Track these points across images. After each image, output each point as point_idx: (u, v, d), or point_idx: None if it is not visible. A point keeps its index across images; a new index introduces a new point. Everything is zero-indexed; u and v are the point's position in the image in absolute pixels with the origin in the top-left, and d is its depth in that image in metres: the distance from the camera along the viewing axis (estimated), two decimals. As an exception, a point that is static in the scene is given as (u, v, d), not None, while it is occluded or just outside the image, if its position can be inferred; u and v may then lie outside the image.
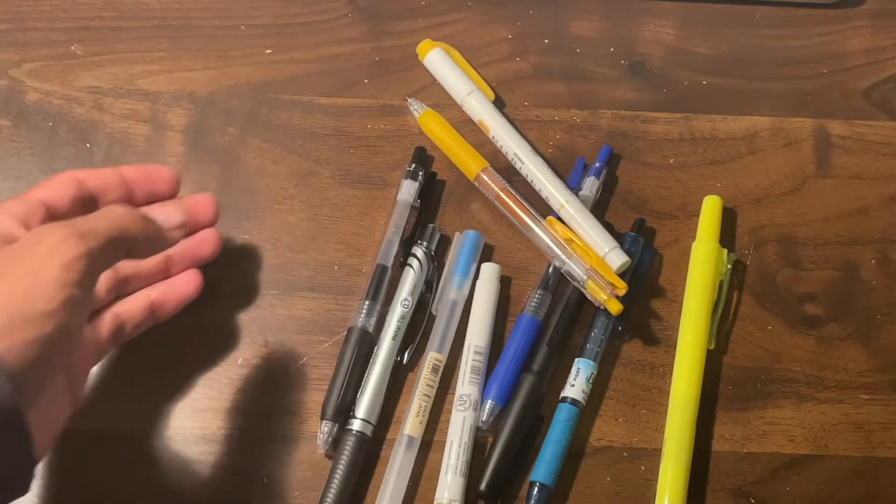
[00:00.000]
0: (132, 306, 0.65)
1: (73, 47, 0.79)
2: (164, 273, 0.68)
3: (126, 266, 0.66)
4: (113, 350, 0.67)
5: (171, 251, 0.64)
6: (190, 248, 0.68)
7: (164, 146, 0.76)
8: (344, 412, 0.67)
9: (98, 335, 0.63)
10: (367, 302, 0.70)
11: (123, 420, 0.68)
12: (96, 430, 0.67)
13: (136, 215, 0.55)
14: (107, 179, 0.62)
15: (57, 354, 0.49)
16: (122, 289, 0.66)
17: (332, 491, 0.65)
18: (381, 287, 0.71)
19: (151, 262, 0.66)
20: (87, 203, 0.61)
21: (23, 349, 0.46)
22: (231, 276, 0.72)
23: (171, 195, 0.66)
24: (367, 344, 0.69)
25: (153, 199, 0.65)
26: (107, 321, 0.64)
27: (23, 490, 0.49)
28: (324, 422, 0.67)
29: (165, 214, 0.59)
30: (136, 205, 0.63)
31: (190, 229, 0.65)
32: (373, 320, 0.69)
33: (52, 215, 0.58)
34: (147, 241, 0.56)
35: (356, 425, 0.66)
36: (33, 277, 0.48)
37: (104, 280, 0.64)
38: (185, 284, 0.68)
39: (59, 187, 0.60)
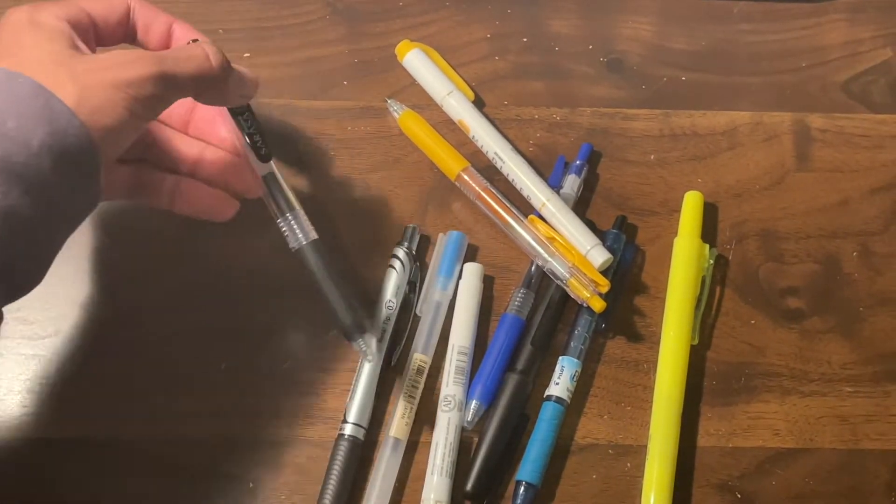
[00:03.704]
0: (156, 175, 0.66)
1: None
2: (196, 164, 0.67)
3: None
4: (128, 197, 0.68)
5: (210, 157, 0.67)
6: (231, 168, 0.68)
7: (144, 152, 0.75)
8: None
9: (120, 173, 0.66)
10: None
11: (106, 426, 0.67)
12: (79, 437, 0.67)
13: (219, 60, 0.58)
14: (156, 19, 0.62)
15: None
16: (149, 152, 0.67)
17: (328, 498, 0.65)
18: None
19: (191, 149, 0.67)
20: (129, 34, 0.62)
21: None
22: (213, 279, 0.72)
23: None
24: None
25: None
26: (131, 168, 0.66)
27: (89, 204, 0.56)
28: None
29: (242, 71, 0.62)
30: None
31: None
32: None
33: (98, 31, 0.60)
34: (221, 89, 0.60)
35: (348, 430, 0.66)
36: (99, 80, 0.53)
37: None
38: (211, 196, 0.68)
39: (107, 5, 0.60)
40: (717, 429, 0.69)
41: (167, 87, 0.55)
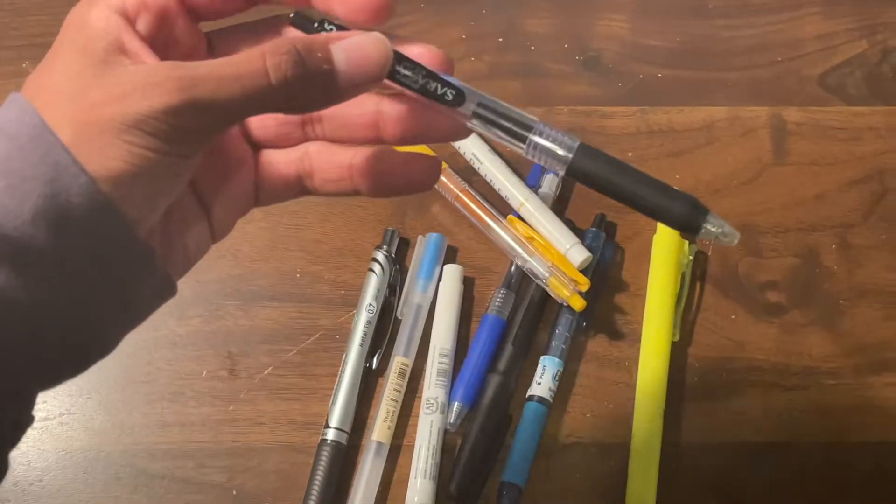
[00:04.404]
0: (328, 156, 0.48)
1: (24, 65, 0.79)
2: (375, 137, 0.47)
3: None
4: (293, 197, 0.49)
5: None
6: (424, 114, 0.46)
7: (120, 161, 0.75)
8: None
9: (272, 169, 0.48)
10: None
11: (90, 437, 0.67)
12: (61, 448, 0.66)
13: (285, 73, 0.40)
14: None
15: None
16: (312, 128, 0.48)
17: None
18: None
19: (365, 108, 0.46)
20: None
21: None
22: (193, 288, 0.71)
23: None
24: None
25: None
26: (291, 157, 0.48)
27: (166, 291, 0.44)
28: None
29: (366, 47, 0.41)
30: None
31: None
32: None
33: (189, 4, 0.44)
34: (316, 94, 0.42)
35: (330, 435, 0.66)
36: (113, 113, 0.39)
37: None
38: (409, 162, 0.47)
39: None
40: (699, 425, 0.69)
41: (204, 117, 0.40)
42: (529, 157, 0.44)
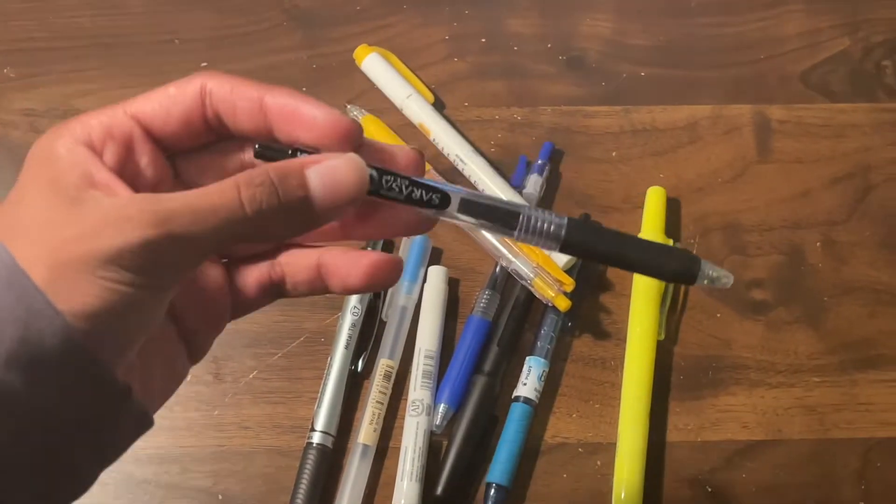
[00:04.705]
0: (296, 259, 0.46)
1: (5, 70, 0.78)
2: (342, 235, 0.47)
3: None
4: (267, 304, 0.47)
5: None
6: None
7: (103, 165, 0.75)
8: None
9: (243, 283, 0.46)
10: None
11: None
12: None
13: (260, 204, 0.39)
14: (240, 98, 0.43)
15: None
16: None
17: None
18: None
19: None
20: (211, 126, 0.44)
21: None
22: (176, 292, 0.71)
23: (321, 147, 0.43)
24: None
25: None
26: (261, 269, 0.46)
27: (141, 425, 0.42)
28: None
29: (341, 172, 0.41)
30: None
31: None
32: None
33: (159, 136, 0.43)
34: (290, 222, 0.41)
35: (316, 438, 0.66)
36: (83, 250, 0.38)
37: None
38: (370, 264, 0.45)
39: (166, 101, 0.43)
40: (685, 423, 0.69)
41: (180, 250, 0.39)
42: (521, 241, 0.44)
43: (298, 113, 0.42)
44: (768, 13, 0.84)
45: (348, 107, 0.76)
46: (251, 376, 0.69)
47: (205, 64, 0.79)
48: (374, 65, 0.78)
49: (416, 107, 0.77)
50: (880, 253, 0.75)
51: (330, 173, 0.40)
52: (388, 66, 0.78)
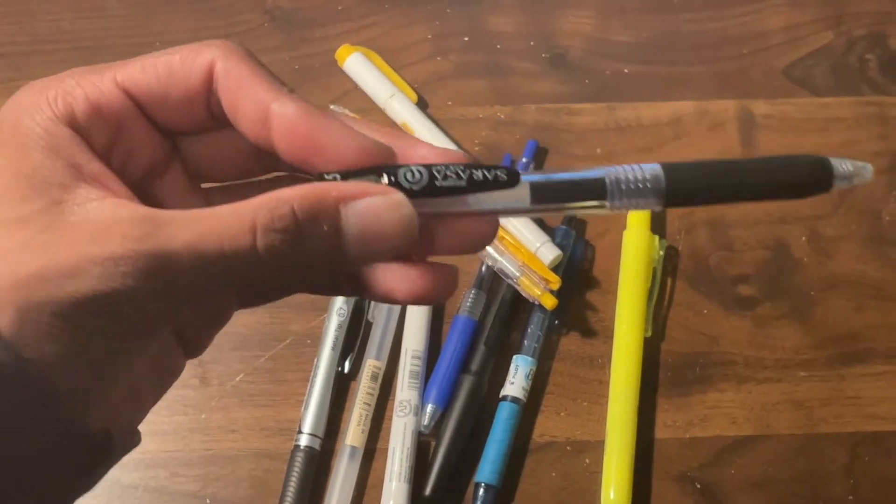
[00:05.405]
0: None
1: (-15, 75, 0.78)
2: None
3: None
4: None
5: None
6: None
7: (85, 169, 0.75)
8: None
9: None
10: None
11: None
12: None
13: (272, 240, 0.32)
14: (247, 94, 0.35)
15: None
16: None
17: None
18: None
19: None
20: (213, 113, 0.36)
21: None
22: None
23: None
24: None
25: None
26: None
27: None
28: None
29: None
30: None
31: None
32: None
33: (153, 113, 0.36)
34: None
35: (304, 440, 0.66)
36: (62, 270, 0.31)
37: None
38: (420, 276, 0.36)
39: (166, 77, 0.35)
40: (674, 420, 0.69)
41: (174, 302, 0.33)
42: (617, 210, 0.36)
43: (313, 139, 0.35)
44: (751, 8, 0.84)
45: (331, 107, 0.76)
46: (238, 379, 0.69)
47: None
48: (357, 65, 0.78)
49: (399, 106, 0.76)
50: (866, 247, 0.75)
51: (371, 214, 0.33)
52: (371, 66, 0.78)
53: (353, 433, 0.66)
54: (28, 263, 0.31)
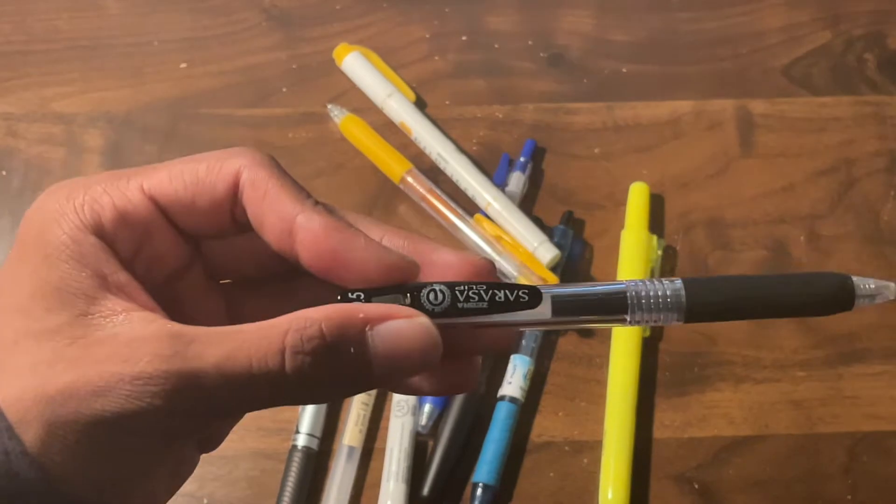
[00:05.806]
0: None
1: (-18, 74, 0.78)
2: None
3: None
4: None
5: None
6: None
7: (82, 169, 0.75)
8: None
9: None
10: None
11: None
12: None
13: (301, 362, 0.33)
14: (271, 207, 0.36)
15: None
16: None
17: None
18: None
19: None
20: (238, 222, 0.37)
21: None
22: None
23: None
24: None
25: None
26: None
27: None
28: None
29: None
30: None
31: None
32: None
33: (178, 220, 0.36)
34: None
35: (301, 440, 0.66)
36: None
37: None
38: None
39: (193, 185, 0.35)
40: (672, 420, 0.69)
41: (200, 421, 0.34)
42: (636, 325, 0.37)
43: (338, 254, 0.35)
44: (749, 7, 0.84)
45: (329, 106, 0.76)
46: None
47: (184, 65, 0.78)
48: (355, 64, 0.78)
49: (397, 106, 0.76)
50: (864, 246, 0.75)
51: (396, 337, 0.34)
52: (369, 65, 0.78)
53: (351, 433, 0.66)
54: (56, 378, 0.31)
